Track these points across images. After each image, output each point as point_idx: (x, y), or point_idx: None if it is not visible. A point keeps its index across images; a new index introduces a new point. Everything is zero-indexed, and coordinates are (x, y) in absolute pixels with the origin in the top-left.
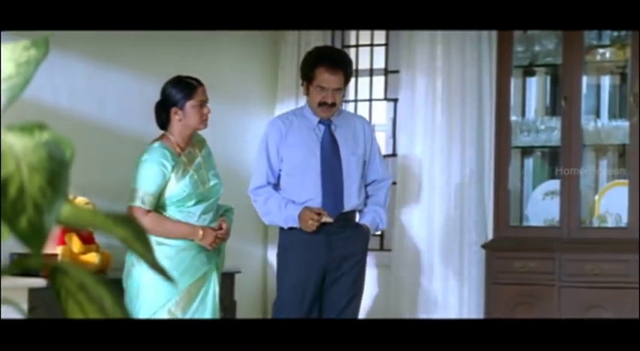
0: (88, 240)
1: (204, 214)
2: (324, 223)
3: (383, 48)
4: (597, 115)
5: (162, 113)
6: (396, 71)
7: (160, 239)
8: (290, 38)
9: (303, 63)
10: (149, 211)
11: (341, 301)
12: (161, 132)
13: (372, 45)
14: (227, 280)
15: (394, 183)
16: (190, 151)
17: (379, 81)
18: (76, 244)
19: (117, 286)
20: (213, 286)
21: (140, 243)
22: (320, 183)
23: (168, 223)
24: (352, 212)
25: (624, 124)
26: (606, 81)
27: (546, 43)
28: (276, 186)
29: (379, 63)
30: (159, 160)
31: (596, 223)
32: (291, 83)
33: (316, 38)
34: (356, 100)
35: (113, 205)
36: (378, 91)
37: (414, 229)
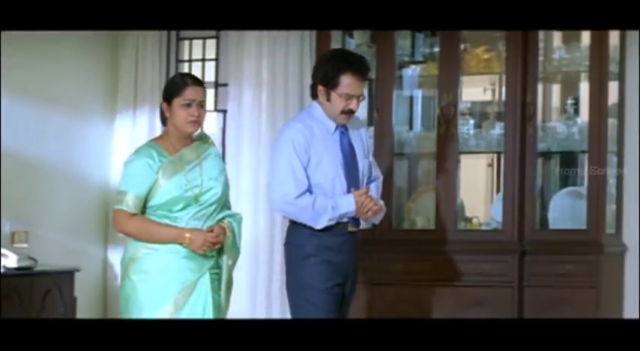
0: None
1: (194, 221)
2: (349, 231)
3: (213, 62)
4: (410, 126)
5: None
6: (225, 84)
7: (148, 244)
8: (128, 51)
9: (324, 67)
10: (134, 215)
11: (348, 309)
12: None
13: (203, 59)
14: (67, 279)
15: None
16: (186, 152)
17: (210, 93)
18: None
19: None
20: (205, 296)
21: None
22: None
23: (154, 226)
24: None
25: (434, 134)
26: (419, 94)
27: None
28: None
29: (210, 76)
30: (144, 159)
31: (406, 226)
32: (129, 94)
33: (152, 53)
34: None
35: None
36: (209, 102)
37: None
